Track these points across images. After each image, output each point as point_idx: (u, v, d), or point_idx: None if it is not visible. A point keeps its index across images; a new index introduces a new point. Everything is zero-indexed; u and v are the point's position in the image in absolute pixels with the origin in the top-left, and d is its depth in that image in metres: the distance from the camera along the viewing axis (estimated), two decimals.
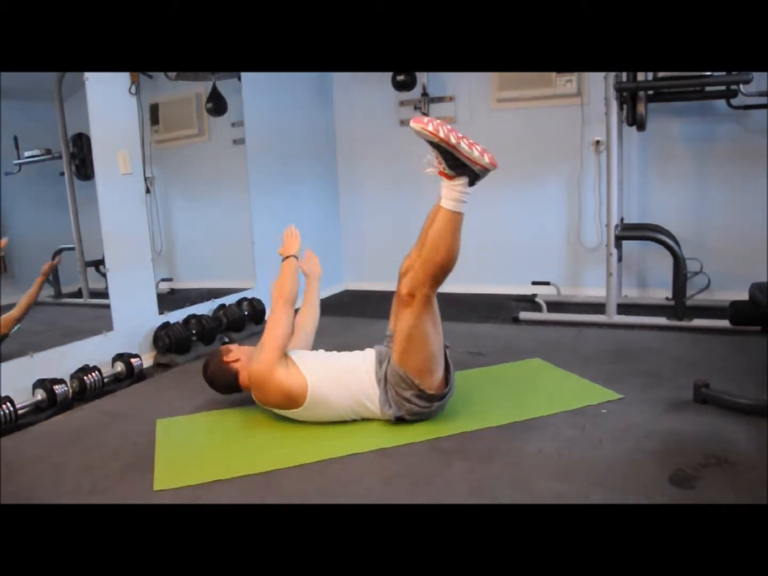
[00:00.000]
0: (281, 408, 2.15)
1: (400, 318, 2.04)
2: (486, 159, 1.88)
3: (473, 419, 2.15)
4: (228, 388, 2.34)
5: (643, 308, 3.79)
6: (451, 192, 1.92)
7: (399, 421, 2.11)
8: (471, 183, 1.92)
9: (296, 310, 2.34)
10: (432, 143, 1.87)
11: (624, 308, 3.69)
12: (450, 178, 1.91)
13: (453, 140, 1.85)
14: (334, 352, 2.30)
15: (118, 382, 2.89)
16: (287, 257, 2.37)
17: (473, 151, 1.87)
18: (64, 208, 3.08)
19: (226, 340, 3.48)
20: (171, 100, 3.68)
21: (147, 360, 3.18)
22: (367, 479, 1.80)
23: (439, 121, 1.89)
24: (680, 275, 3.45)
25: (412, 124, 1.87)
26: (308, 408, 2.10)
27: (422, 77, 4.50)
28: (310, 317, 2.51)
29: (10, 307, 2.83)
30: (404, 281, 2.04)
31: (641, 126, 3.64)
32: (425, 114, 4.54)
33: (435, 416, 2.14)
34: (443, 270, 1.97)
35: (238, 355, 2.29)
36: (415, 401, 2.05)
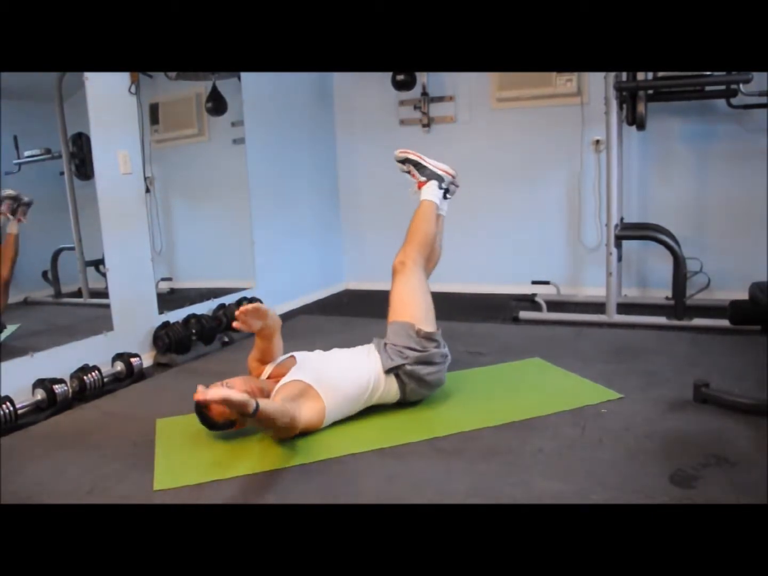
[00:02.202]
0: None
1: (393, 290, 2.33)
2: (443, 166, 2.54)
3: (473, 419, 2.15)
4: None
5: (643, 308, 3.79)
6: (426, 190, 2.51)
7: (401, 403, 2.20)
8: (440, 187, 2.51)
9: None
10: (408, 159, 2.55)
11: (624, 308, 3.69)
12: (424, 183, 2.52)
13: (418, 156, 2.56)
14: (339, 355, 2.27)
15: (118, 381, 2.89)
16: (252, 413, 1.71)
17: (435, 162, 2.55)
18: (64, 208, 3.08)
19: (226, 339, 3.48)
20: (171, 100, 3.68)
21: (147, 360, 3.18)
22: (367, 479, 1.81)
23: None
24: (680, 275, 3.45)
25: (395, 153, 2.59)
26: (323, 425, 2.09)
27: (422, 77, 4.50)
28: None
29: (10, 306, 2.84)
30: (396, 259, 2.38)
31: (641, 125, 3.64)
32: (425, 113, 4.57)
33: (436, 383, 2.27)
34: (425, 241, 2.42)
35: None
36: (413, 345, 2.18)
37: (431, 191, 2.50)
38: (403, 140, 4.67)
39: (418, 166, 2.53)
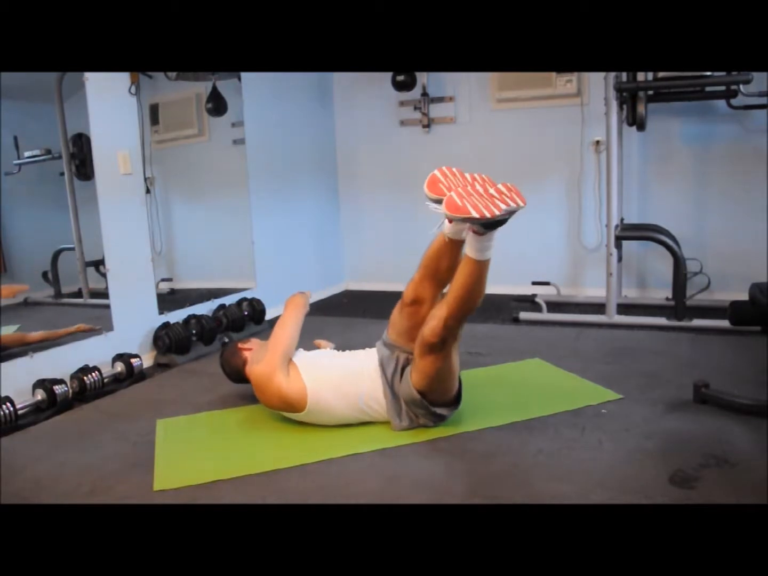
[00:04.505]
0: (283, 411, 2.16)
1: (426, 360, 1.95)
2: (521, 203, 1.74)
3: (473, 419, 2.15)
4: (236, 375, 2.39)
5: (643, 308, 3.79)
6: (482, 244, 1.80)
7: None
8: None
9: None
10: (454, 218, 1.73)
11: (624, 308, 3.69)
12: (482, 234, 1.78)
13: (496, 211, 1.69)
14: (337, 353, 2.31)
15: (118, 382, 2.89)
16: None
17: (511, 205, 1.72)
18: (64, 208, 3.07)
19: (226, 340, 3.48)
20: (171, 100, 3.68)
21: (147, 360, 3.18)
22: (367, 479, 1.81)
23: (468, 180, 1.80)
24: (680, 275, 3.45)
25: (446, 212, 1.70)
26: (310, 413, 2.11)
27: (422, 77, 4.50)
28: None
29: (10, 306, 2.83)
30: (431, 328, 1.89)
31: (641, 126, 3.64)
32: (425, 114, 4.55)
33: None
34: (472, 312, 1.92)
35: (253, 345, 2.38)
36: (429, 418, 2.09)
37: (490, 244, 1.79)
38: (404, 141, 4.70)
39: (487, 224, 1.72)
